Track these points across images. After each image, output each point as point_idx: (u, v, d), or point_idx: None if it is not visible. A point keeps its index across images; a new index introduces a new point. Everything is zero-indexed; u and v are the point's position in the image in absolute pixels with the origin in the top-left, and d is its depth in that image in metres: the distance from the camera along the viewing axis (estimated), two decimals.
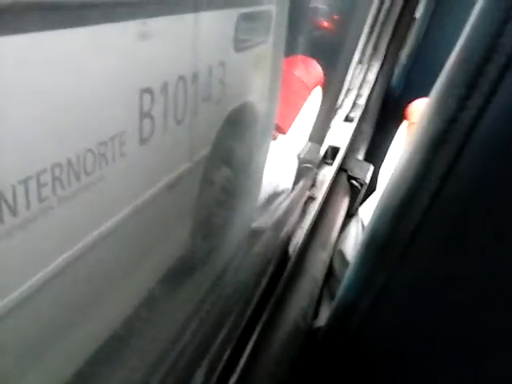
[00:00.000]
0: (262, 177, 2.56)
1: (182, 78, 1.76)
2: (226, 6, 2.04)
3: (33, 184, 1.17)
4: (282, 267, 1.19)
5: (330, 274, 1.25)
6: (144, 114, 1.58)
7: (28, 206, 1.17)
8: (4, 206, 1.09)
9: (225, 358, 1.02)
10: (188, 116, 1.86)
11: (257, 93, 2.59)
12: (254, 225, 1.83)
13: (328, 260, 1.29)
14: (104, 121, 1.41)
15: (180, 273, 2.18)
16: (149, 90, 1.57)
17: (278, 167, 3.09)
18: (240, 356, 1.05)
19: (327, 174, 1.74)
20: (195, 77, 1.87)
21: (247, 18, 2.26)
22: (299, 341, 1.13)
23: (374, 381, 0.93)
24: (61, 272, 1.31)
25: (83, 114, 1.32)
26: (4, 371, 1.22)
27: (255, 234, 1.54)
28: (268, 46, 2.65)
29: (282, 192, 2.98)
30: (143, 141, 1.62)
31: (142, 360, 1.54)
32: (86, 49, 1.31)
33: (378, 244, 0.89)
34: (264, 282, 1.18)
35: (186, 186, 2.02)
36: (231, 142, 2.47)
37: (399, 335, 0.87)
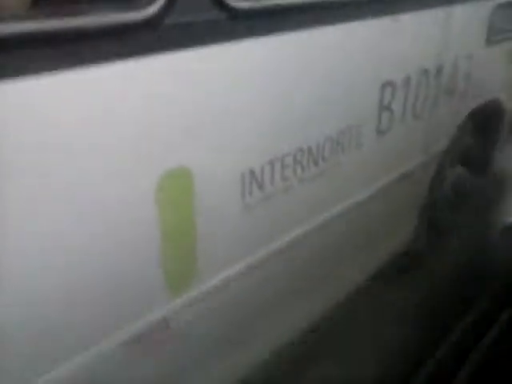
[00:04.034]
0: None
1: (425, 71, 1.76)
2: None
3: (278, 165, 1.32)
4: None
5: None
6: (383, 107, 1.62)
7: (272, 183, 1.33)
8: (254, 181, 1.27)
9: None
10: (427, 110, 1.84)
11: (506, 90, 2.40)
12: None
13: None
14: (344, 112, 1.51)
15: (400, 266, 2.18)
16: (391, 84, 1.62)
17: None
18: None
19: None
20: (439, 71, 1.84)
21: (504, 8, 2.11)
22: None
23: None
24: (291, 245, 1.46)
25: (327, 104, 1.43)
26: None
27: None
28: None
29: None
30: (380, 132, 1.67)
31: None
32: (340, 44, 1.41)
33: None
34: None
35: (417, 179, 2.00)
36: (471, 140, 2.36)
37: None
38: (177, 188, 1.10)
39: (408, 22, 1.62)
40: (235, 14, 1.10)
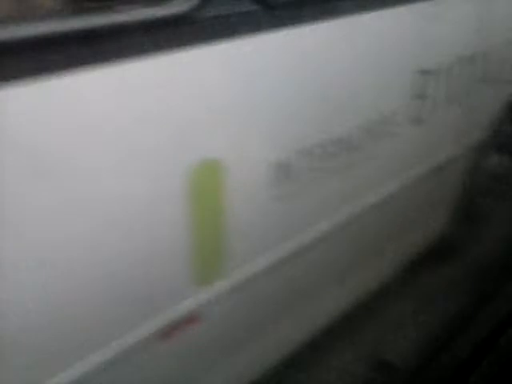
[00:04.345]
0: None
1: (465, 58, 1.72)
2: None
3: (307, 156, 1.32)
4: None
5: None
6: (417, 95, 1.60)
7: (302, 174, 1.33)
8: (284, 173, 1.27)
9: None
10: (465, 98, 1.80)
11: None
12: None
13: None
14: (379, 100, 1.49)
15: (434, 257, 2.15)
16: (426, 72, 1.58)
17: None
18: None
19: None
20: (476, 58, 1.79)
21: None
22: None
23: None
24: (322, 238, 1.45)
25: (359, 92, 1.42)
26: None
27: None
28: None
29: None
30: (415, 121, 1.65)
31: None
32: (375, 31, 1.40)
33: None
34: None
35: (454, 169, 1.97)
36: (510, 129, 2.28)
37: None
38: (208, 180, 1.11)
39: (445, 7, 1.58)
40: (272, 5, 1.11)
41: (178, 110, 1.01)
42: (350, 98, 1.39)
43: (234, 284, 1.25)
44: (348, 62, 1.34)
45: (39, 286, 0.89)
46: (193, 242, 1.12)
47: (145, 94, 0.95)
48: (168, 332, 1.14)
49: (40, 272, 0.88)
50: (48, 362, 0.95)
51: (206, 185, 1.11)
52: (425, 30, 1.54)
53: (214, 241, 1.19)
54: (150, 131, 0.98)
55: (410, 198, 1.78)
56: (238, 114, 1.13)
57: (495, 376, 0.93)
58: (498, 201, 2.38)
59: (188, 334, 1.19)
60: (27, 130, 0.81)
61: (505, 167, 2.30)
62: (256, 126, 1.18)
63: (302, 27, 1.19)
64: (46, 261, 0.89)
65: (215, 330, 1.27)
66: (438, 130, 1.77)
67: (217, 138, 1.10)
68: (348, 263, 1.64)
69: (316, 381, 1.67)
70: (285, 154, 1.26)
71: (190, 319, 1.18)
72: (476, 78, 1.83)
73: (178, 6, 0.94)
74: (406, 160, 1.69)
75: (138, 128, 0.95)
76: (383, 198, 1.63)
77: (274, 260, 1.33)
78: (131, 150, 0.95)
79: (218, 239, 1.19)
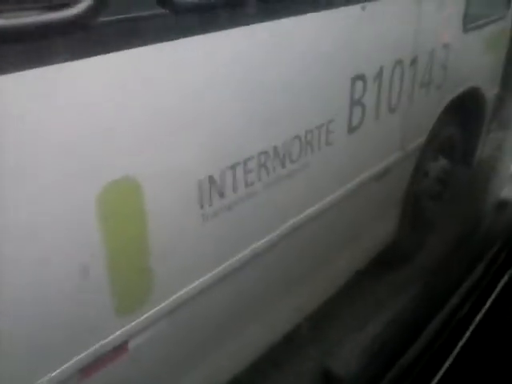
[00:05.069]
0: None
1: (399, 62, 1.67)
2: None
3: (240, 170, 1.23)
4: None
5: None
6: (354, 102, 1.54)
7: (235, 189, 1.24)
8: (213, 188, 1.17)
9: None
10: (403, 103, 1.76)
11: (487, 77, 2.32)
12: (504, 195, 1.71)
13: None
14: (313, 108, 1.42)
15: (384, 263, 2.12)
16: (361, 77, 1.52)
17: None
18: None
19: None
20: (414, 61, 1.75)
21: None
22: None
23: None
24: (258, 255, 1.37)
25: (291, 102, 1.34)
26: None
27: (504, 202, 1.44)
28: (507, 22, 2.34)
29: None
30: (354, 129, 1.59)
31: None
32: (303, 37, 1.32)
33: None
34: None
35: (395, 175, 1.92)
36: (451, 132, 2.27)
37: None
38: (123, 201, 1.00)
39: (378, 11, 1.52)
40: (178, 10, 1.00)
41: (84, 124, 0.90)
42: (283, 108, 1.31)
43: (163, 310, 1.15)
44: (275, 70, 1.26)
45: None
46: (112, 269, 1.01)
47: (42, 108, 0.84)
48: (92, 367, 1.04)
49: None
50: None
51: (120, 206, 1.00)
52: (359, 34, 1.48)
53: (136, 266, 1.08)
54: (52, 147, 0.87)
55: (353, 206, 1.73)
56: (156, 126, 1.03)
57: None
58: (442, 204, 2.38)
59: (114, 365, 1.09)
60: None
61: (445, 171, 2.29)
62: (179, 140, 1.08)
63: (218, 32, 1.09)
64: None
65: (144, 360, 1.17)
66: (377, 136, 1.72)
67: (132, 154, 1.00)
68: (289, 279, 1.57)
69: None
70: (215, 169, 1.17)
71: (114, 351, 1.08)
72: (417, 83, 1.79)
73: (67, 11, 0.82)
74: (345, 168, 1.64)
75: (37, 143, 0.85)
76: (325, 208, 1.57)
77: (206, 282, 1.23)
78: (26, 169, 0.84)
79: (140, 264, 1.09)
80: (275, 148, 1.31)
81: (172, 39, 0.99)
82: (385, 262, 2.11)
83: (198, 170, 1.13)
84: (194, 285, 1.20)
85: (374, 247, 2.03)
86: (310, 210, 1.52)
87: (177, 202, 1.11)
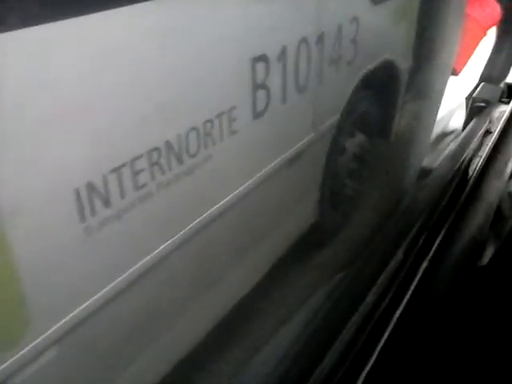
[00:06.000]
0: (432, 124, 2.23)
1: (303, 40, 1.56)
2: None
3: (127, 172, 1.09)
4: (460, 191, 1.12)
5: (498, 213, 1.14)
6: (257, 85, 1.42)
7: (123, 195, 1.10)
8: (95, 196, 1.03)
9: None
10: (312, 83, 1.66)
11: (400, 49, 2.27)
12: (425, 163, 1.69)
13: (502, 189, 1.20)
14: (210, 96, 1.29)
15: (309, 244, 2.06)
16: (262, 58, 1.41)
17: (448, 108, 2.84)
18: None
19: (504, 110, 1.55)
20: (320, 38, 1.65)
21: None
22: (474, 254, 1.03)
23: None
24: (159, 265, 1.24)
25: (184, 90, 1.21)
26: None
27: (426, 172, 1.42)
28: None
29: (452, 132, 2.73)
30: (259, 114, 1.48)
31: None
32: (193, 20, 1.18)
33: None
34: (441, 204, 1.08)
35: (310, 157, 1.84)
36: (367, 107, 2.22)
37: None
38: None
39: None
40: None
41: None
42: (172, 99, 1.17)
43: (47, 341, 1.00)
44: (160, 57, 1.12)
45: None
46: None
47: None
48: None
49: None
50: None
51: None
52: (255, 12, 1.36)
53: (8, 299, 0.93)
54: None
55: (267, 194, 1.63)
56: (8, 129, 0.87)
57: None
58: (362, 179, 2.35)
59: None
60: None
61: (363, 146, 2.24)
62: (44, 143, 0.93)
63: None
64: None
65: None
66: (287, 120, 1.61)
67: None
68: (201, 283, 1.45)
69: None
70: (94, 173, 1.02)
71: None
72: (326, 60, 1.69)
73: None
74: (254, 157, 1.53)
75: None
76: (235, 201, 1.45)
77: (98, 302, 1.09)
78: None
79: (13, 295, 0.93)
80: (167, 143, 1.18)
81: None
82: (307, 244, 2.07)
83: (71, 177, 0.98)
84: (83, 307, 1.06)
85: (296, 231, 1.96)
86: (219, 206, 1.40)
87: (48, 217, 0.95)
